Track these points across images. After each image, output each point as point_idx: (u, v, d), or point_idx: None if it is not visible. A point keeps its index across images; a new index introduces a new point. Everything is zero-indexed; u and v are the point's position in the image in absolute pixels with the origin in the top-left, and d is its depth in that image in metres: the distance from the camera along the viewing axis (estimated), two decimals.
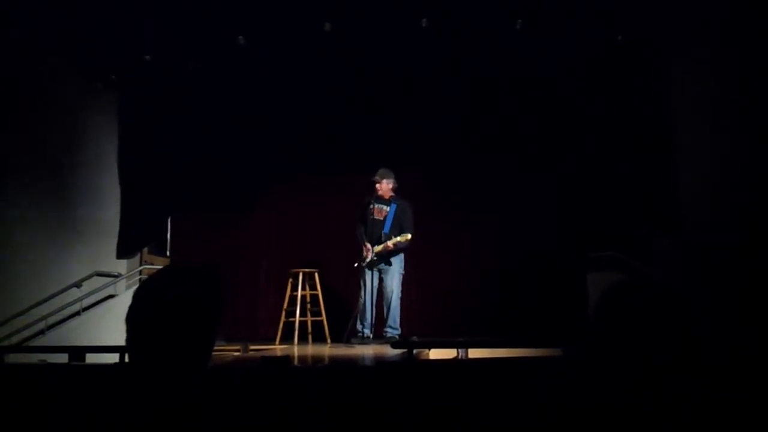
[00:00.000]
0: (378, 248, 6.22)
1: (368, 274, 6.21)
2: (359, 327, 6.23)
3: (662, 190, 6.41)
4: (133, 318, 1.35)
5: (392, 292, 6.26)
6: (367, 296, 6.17)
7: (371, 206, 6.37)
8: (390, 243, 6.16)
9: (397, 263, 6.33)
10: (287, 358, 3.49)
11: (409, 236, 6.14)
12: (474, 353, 4.02)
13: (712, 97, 5.83)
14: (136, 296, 1.38)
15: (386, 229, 6.29)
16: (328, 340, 6.59)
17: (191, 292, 1.38)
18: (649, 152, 6.55)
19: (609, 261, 6.45)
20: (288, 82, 7.29)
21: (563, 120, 7.00)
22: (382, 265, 6.30)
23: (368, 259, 6.23)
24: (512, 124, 7.18)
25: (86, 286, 6.92)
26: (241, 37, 6.56)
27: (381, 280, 6.33)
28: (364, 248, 6.27)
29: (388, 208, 6.38)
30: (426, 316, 7.21)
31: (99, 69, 7.14)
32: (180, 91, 7.42)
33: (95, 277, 7.04)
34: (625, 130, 6.70)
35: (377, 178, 6.37)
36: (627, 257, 6.40)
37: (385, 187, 6.39)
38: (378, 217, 6.37)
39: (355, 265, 6.30)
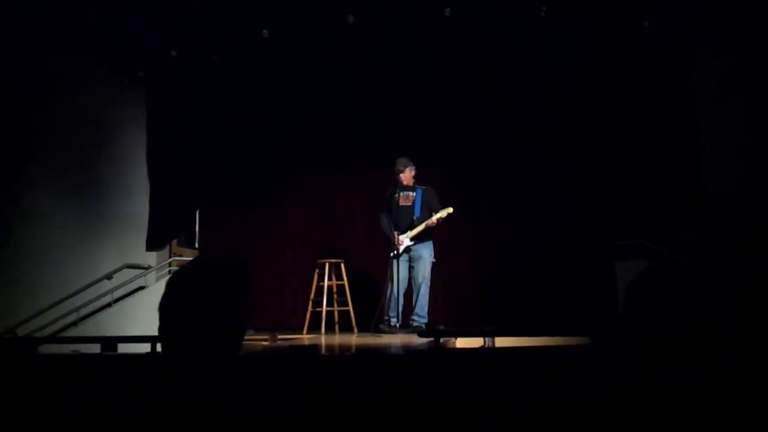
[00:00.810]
0: (420, 227, 6.24)
1: (395, 263, 6.22)
2: (386, 316, 6.26)
3: (690, 179, 6.32)
4: (165, 307, 1.37)
5: (423, 280, 6.27)
6: (396, 285, 6.18)
7: (396, 195, 6.37)
8: (434, 218, 6.19)
9: (428, 251, 6.35)
10: (315, 347, 3.51)
11: (451, 210, 6.21)
12: (500, 342, 4.01)
13: (740, 84, 5.72)
14: (169, 286, 1.41)
15: (417, 212, 6.35)
16: (355, 330, 6.62)
17: (222, 282, 1.40)
18: (676, 141, 6.45)
19: (638, 249, 6.37)
20: (310, 76, 7.29)
21: (592, 110, 6.91)
22: (414, 253, 6.31)
23: (402, 247, 6.25)
24: (539, 113, 7.11)
25: (117, 278, 7.03)
26: (265, 30, 6.59)
27: (411, 268, 6.34)
28: (394, 238, 6.27)
29: (414, 194, 6.43)
30: (451, 305, 7.22)
31: (127, 65, 7.23)
32: (206, 86, 7.47)
33: (125, 269, 7.15)
34: (648, 122, 6.60)
35: (400, 167, 6.39)
36: (656, 246, 6.32)
37: (408, 174, 6.43)
38: (406, 203, 6.39)
39: (391, 255, 6.29)
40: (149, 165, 7.63)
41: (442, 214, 6.21)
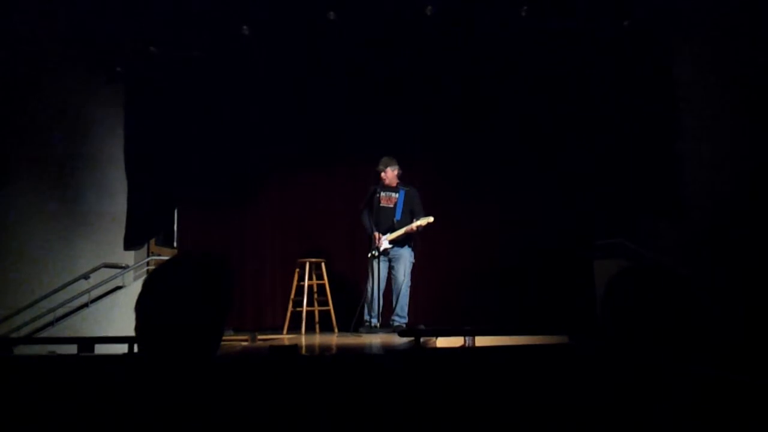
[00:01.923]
0: (399, 232, 6.22)
1: (376, 262, 6.21)
2: (367, 316, 6.25)
3: (669, 178, 6.39)
4: (142, 307, 1.35)
5: (403, 280, 6.27)
6: (376, 285, 6.18)
7: (378, 195, 6.36)
8: (414, 225, 6.17)
9: (408, 251, 6.35)
10: (295, 348, 3.50)
11: (432, 219, 6.18)
12: (481, 341, 4.02)
13: (719, 84, 5.80)
14: (146, 285, 1.39)
15: (398, 215, 6.32)
16: (336, 330, 6.61)
17: (200, 281, 1.38)
18: (655, 140, 6.52)
19: (616, 248, 6.44)
20: (291, 72, 7.29)
21: (570, 110, 6.98)
22: (393, 253, 6.30)
23: (381, 248, 6.24)
24: (517, 113, 7.18)
25: (94, 278, 6.94)
26: (245, 27, 6.55)
27: (391, 268, 6.34)
28: (374, 237, 6.26)
29: (396, 195, 6.41)
30: (432, 305, 7.24)
31: (104, 60, 7.14)
32: (185, 82, 7.41)
33: (103, 269, 7.06)
34: (632, 117, 6.67)
35: (381, 167, 6.37)
36: (634, 244, 6.39)
37: (391, 174, 6.39)
38: (388, 204, 6.37)
39: (369, 255, 6.28)
40: (127, 163, 7.53)
41: (422, 222, 6.18)
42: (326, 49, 6.99)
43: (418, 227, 6.20)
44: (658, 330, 1.32)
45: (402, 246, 6.32)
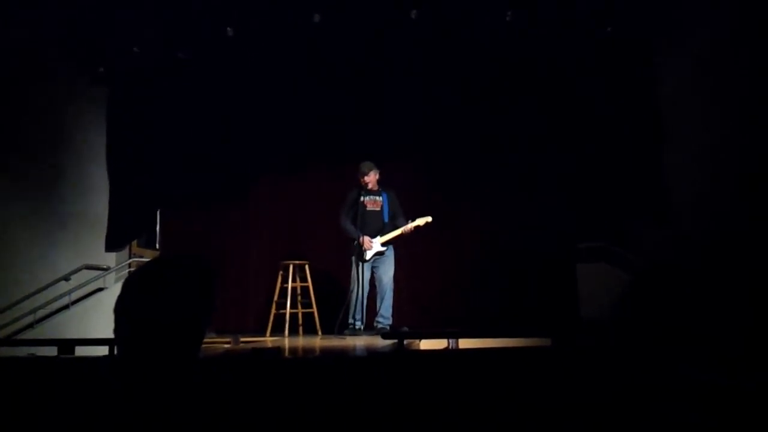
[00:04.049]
0: (396, 233, 6.25)
1: (360, 265, 6.21)
2: (351, 318, 6.24)
3: (653, 182, 6.44)
4: (122, 308, 1.34)
5: (388, 282, 6.28)
6: (359, 288, 6.18)
7: (362, 199, 6.36)
8: (412, 225, 6.22)
9: (392, 253, 6.36)
10: (278, 350, 3.49)
11: (430, 219, 6.25)
12: (464, 343, 4.03)
13: (702, 90, 5.85)
14: (126, 286, 1.37)
15: (386, 218, 6.36)
16: (319, 332, 6.59)
17: (182, 283, 1.37)
18: (639, 145, 6.57)
19: (599, 251, 6.48)
20: (276, 75, 7.28)
21: (555, 113, 7.02)
22: (377, 256, 6.30)
23: (373, 251, 6.24)
24: (503, 117, 7.23)
25: (75, 280, 6.87)
26: (229, 28, 6.53)
27: (375, 270, 6.34)
28: (361, 241, 6.24)
29: (380, 198, 6.43)
30: (416, 308, 7.24)
31: (87, 62, 7.08)
32: (169, 83, 7.38)
33: (84, 271, 6.99)
34: (616, 122, 6.72)
35: (364, 170, 6.37)
36: (617, 248, 6.44)
37: (373, 178, 6.41)
38: (374, 208, 6.39)
39: (356, 258, 6.26)
40: (109, 163, 7.48)
41: (420, 222, 6.23)
42: (312, 50, 6.99)
43: (416, 227, 6.22)
44: (678, 329, 1.33)
45: (386, 247, 6.33)
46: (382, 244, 6.28)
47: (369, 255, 6.23)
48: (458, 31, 6.67)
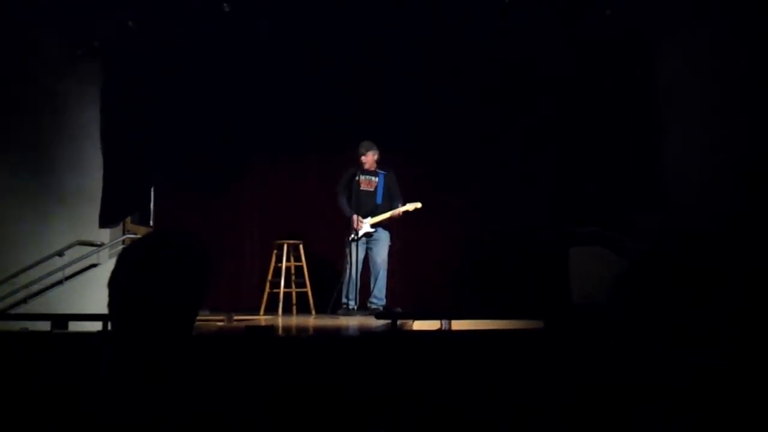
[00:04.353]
0: (384, 216, 6.25)
1: (354, 245, 6.21)
2: (344, 298, 6.26)
3: (647, 168, 6.45)
4: (115, 283, 1.33)
5: (381, 262, 6.28)
6: (353, 268, 6.19)
7: (357, 178, 6.35)
8: (400, 210, 6.21)
9: (386, 235, 6.37)
10: (271, 328, 3.50)
11: (419, 204, 6.23)
12: (457, 325, 4.05)
13: (700, 80, 5.85)
14: (120, 260, 1.36)
15: (379, 199, 6.35)
16: (313, 311, 6.61)
17: (175, 259, 1.35)
18: (635, 130, 6.57)
19: (592, 235, 6.48)
20: (272, 53, 7.21)
21: (551, 97, 7.00)
22: (372, 237, 6.31)
23: (362, 231, 6.24)
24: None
25: (69, 255, 6.86)
26: (225, 4, 6.46)
27: (369, 250, 6.35)
28: (354, 221, 6.25)
29: (376, 179, 6.42)
30: (410, 289, 7.26)
31: (81, 34, 7.00)
32: (164, 59, 7.30)
33: (78, 246, 6.98)
34: (613, 108, 6.71)
35: (362, 150, 6.35)
36: (610, 231, 6.45)
37: (371, 158, 6.39)
38: (368, 188, 6.38)
39: (349, 239, 6.27)
40: (103, 139, 7.42)
41: (409, 207, 6.22)
42: (306, 32, 6.93)
43: (404, 212, 6.22)
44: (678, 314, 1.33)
45: (381, 228, 6.33)
46: (372, 226, 6.27)
47: (360, 235, 6.24)
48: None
